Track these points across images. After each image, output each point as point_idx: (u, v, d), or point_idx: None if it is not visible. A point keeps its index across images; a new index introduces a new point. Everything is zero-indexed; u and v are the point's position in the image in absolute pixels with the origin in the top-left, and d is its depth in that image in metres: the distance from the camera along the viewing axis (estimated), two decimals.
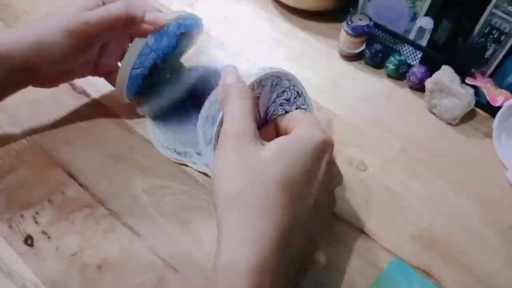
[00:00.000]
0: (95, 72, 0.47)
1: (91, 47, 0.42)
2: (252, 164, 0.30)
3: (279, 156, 0.30)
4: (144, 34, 0.42)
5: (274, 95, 0.37)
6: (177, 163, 0.45)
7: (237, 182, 0.30)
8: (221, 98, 0.34)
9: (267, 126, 0.38)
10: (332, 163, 0.34)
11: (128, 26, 0.41)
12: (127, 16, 0.40)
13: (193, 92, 0.50)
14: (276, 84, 0.37)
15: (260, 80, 0.35)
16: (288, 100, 0.38)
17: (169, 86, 0.49)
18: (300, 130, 0.33)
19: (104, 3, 0.43)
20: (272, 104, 0.37)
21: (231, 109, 0.32)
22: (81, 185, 0.43)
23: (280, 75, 0.36)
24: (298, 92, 0.39)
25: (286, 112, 0.39)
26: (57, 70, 0.43)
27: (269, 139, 0.33)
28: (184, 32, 0.46)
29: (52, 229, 0.40)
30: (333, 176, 0.35)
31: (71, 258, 0.38)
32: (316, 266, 0.39)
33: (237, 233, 0.29)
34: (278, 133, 0.37)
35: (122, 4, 0.41)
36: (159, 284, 0.37)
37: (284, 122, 0.37)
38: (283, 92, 0.38)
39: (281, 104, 0.38)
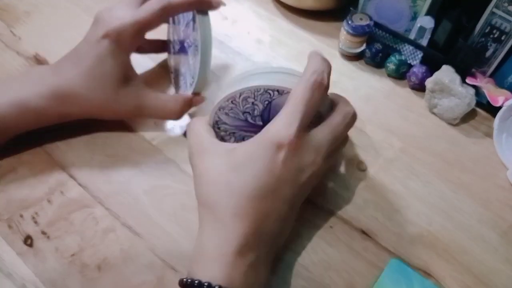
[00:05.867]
0: None
1: None
2: (214, 175, 0.34)
3: (233, 167, 0.33)
4: None
5: (245, 108, 0.38)
6: (177, 163, 0.45)
7: (206, 192, 0.34)
8: None
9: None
10: (293, 161, 0.34)
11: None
12: None
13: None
14: (234, 104, 0.38)
15: (219, 108, 0.38)
16: (267, 100, 0.38)
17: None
18: (265, 129, 0.34)
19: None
20: (249, 113, 0.38)
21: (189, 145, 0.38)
22: (80, 185, 0.43)
23: (229, 97, 0.37)
24: (268, 91, 0.37)
25: None
26: None
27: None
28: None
29: (51, 229, 0.40)
30: (302, 168, 0.35)
31: (71, 258, 0.38)
32: (315, 266, 0.39)
33: (205, 229, 0.33)
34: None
35: None
36: (159, 284, 0.37)
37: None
38: (251, 101, 0.38)
39: (266, 103, 0.38)
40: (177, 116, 0.45)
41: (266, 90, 0.36)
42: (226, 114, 0.38)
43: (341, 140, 0.39)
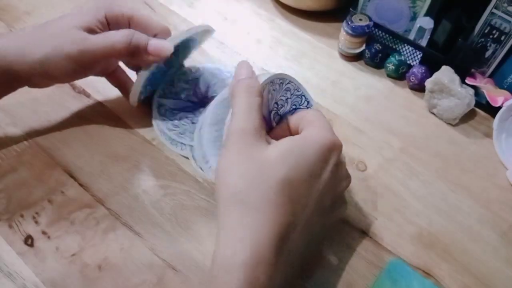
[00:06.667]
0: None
1: (92, 71, 0.43)
2: (255, 163, 0.31)
3: (283, 156, 0.31)
4: (148, 63, 0.42)
5: (280, 97, 0.37)
6: (177, 163, 0.45)
7: (238, 181, 0.30)
8: (230, 93, 0.34)
9: (281, 124, 0.37)
10: (339, 166, 0.34)
11: (131, 56, 0.41)
12: (130, 47, 0.40)
13: (194, 90, 0.50)
14: (279, 86, 0.36)
15: (271, 82, 0.35)
16: (295, 104, 0.39)
17: (170, 85, 0.50)
18: (309, 131, 0.33)
19: (106, 19, 0.42)
20: (276, 106, 0.37)
21: (236, 106, 0.33)
22: (81, 185, 0.43)
23: (282, 77, 0.36)
24: (303, 96, 0.39)
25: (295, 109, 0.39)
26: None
27: (282, 137, 0.33)
28: (195, 39, 0.48)
29: (52, 229, 0.40)
30: (340, 179, 0.35)
31: (71, 258, 0.38)
32: (315, 266, 0.39)
33: (235, 229, 0.29)
34: (290, 131, 0.37)
35: (126, 33, 0.40)
36: (159, 284, 0.37)
37: (295, 121, 0.36)
38: (288, 95, 0.37)
39: (293, 108, 0.38)
40: (124, 51, 0.40)
41: (302, 95, 0.37)
42: (268, 92, 0.35)
43: None
